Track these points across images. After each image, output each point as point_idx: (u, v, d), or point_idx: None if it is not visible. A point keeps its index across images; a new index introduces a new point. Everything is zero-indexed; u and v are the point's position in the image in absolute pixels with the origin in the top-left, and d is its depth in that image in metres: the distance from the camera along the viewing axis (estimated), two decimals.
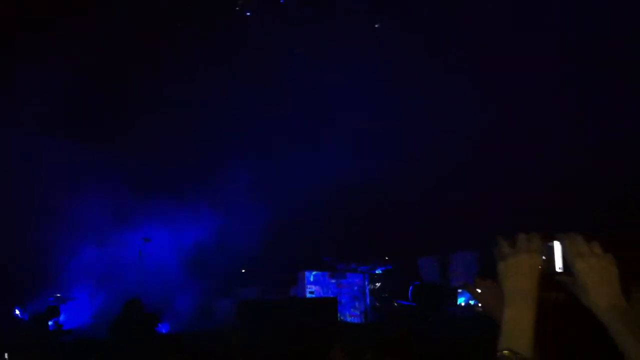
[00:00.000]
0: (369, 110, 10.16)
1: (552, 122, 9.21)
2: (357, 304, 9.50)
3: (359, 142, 9.99)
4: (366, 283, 9.58)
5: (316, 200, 9.76)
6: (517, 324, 1.20)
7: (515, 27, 9.22)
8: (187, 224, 10.52)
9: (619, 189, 7.99)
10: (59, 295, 9.11)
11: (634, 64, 8.16)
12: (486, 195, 9.10)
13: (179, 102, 10.28)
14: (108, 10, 9.25)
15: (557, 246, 1.32)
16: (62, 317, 8.76)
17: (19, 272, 8.92)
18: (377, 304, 9.64)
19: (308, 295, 9.10)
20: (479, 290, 1.79)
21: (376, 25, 10.71)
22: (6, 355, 5.07)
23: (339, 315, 8.69)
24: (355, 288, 9.57)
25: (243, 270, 10.76)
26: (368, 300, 9.50)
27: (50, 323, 8.39)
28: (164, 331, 8.65)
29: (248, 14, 10.46)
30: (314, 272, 9.35)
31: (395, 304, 9.48)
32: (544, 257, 1.31)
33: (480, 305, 1.84)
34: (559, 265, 1.31)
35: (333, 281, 9.44)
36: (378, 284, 9.75)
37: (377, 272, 9.85)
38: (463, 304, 8.76)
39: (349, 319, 9.25)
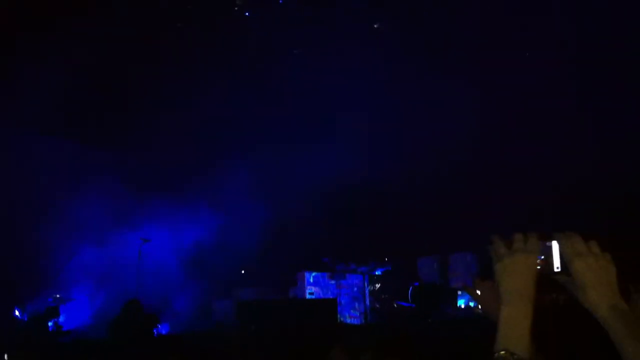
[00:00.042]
0: (368, 110, 10.16)
1: (552, 122, 9.21)
2: (356, 305, 9.48)
3: (358, 143, 9.98)
4: (366, 284, 9.57)
5: (316, 201, 9.76)
6: (514, 325, 1.20)
7: (515, 27, 9.22)
8: (186, 224, 10.51)
9: (619, 189, 7.98)
10: (58, 296, 9.10)
11: (634, 64, 8.15)
12: (486, 196, 9.09)
13: (179, 102, 10.28)
14: (108, 10, 9.26)
15: (555, 246, 1.31)
16: (61, 318, 8.75)
17: (18, 272, 8.91)
18: (377, 305, 9.63)
19: (308, 296, 9.10)
20: (479, 292, 1.78)
21: (375, 26, 10.72)
22: (6, 356, 5.07)
23: (338, 316, 8.68)
24: (355, 289, 9.56)
25: (242, 272, 10.75)
26: (368, 301, 9.49)
27: (49, 324, 8.38)
28: (164, 332, 8.64)
29: (247, 14, 10.47)
30: (313, 273, 9.33)
31: (395, 305, 9.47)
32: (542, 257, 1.31)
33: (479, 306, 1.83)
34: (557, 264, 1.31)
35: (333, 282, 9.43)
36: (378, 285, 9.74)
37: (376, 273, 9.84)
38: (463, 306, 8.75)
39: (348, 320, 9.24)
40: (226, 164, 10.34)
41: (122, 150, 10.86)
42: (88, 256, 9.75)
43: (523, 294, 1.23)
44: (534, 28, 9.24)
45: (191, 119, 10.12)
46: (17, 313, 8.62)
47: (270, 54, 10.90)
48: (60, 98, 9.14)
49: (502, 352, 1.15)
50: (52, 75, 8.84)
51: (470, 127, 9.16)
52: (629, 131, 8.12)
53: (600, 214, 7.59)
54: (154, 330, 8.12)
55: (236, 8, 10.56)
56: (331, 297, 9.14)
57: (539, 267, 1.29)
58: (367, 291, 9.53)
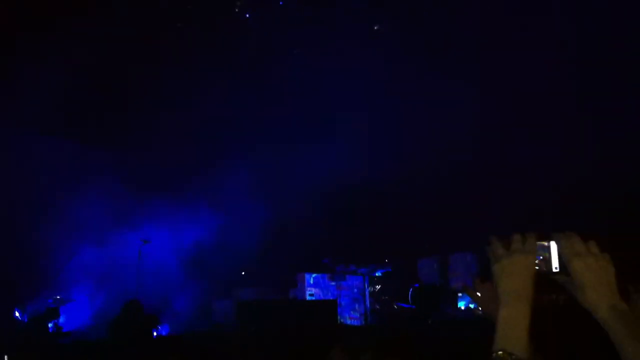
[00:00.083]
0: (368, 110, 10.16)
1: (552, 122, 9.21)
2: (356, 306, 9.48)
3: (358, 142, 9.98)
4: (366, 285, 9.56)
5: (316, 201, 9.76)
6: (513, 325, 1.20)
7: (515, 27, 9.22)
8: (186, 224, 10.50)
9: (619, 189, 7.98)
10: (58, 297, 9.09)
11: (634, 64, 8.15)
12: (486, 196, 9.09)
13: (179, 102, 10.28)
14: (108, 10, 9.26)
15: (553, 246, 1.31)
16: (61, 319, 8.74)
17: (18, 272, 8.91)
18: (377, 307, 9.62)
19: (308, 297, 9.09)
20: (479, 294, 1.78)
21: (375, 27, 10.72)
22: (6, 357, 5.06)
23: (338, 317, 8.67)
24: (355, 290, 9.55)
25: (242, 272, 10.75)
26: (368, 302, 9.48)
27: (49, 325, 8.37)
28: (164, 333, 8.64)
29: (247, 15, 10.47)
30: (313, 275, 9.33)
31: (395, 307, 9.47)
32: (541, 257, 1.30)
33: (480, 308, 1.83)
34: (555, 264, 1.31)
35: (333, 283, 9.42)
36: (378, 287, 9.74)
37: (377, 274, 9.84)
38: (463, 307, 8.74)
39: (348, 322, 9.23)
40: (226, 164, 10.34)
41: (122, 150, 10.86)
42: (88, 256, 9.75)
43: (521, 295, 1.23)
44: (534, 28, 9.23)
45: (191, 119, 10.12)
46: (17, 314, 8.61)
47: (270, 54, 10.91)
48: (60, 98, 9.14)
49: (500, 353, 1.15)
50: (52, 75, 8.84)
51: (470, 127, 9.15)
52: (629, 131, 8.11)
53: (600, 214, 7.59)
54: (153, 331, 8.11)
55: (236, 9, 10.56)
56: (331, 298, 9.14)
57: (537, 268, 1.29)
58: (367, 292, 9.53)
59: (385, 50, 10.25)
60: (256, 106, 10.70)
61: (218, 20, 10.60)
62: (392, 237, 9.85)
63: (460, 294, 8.80)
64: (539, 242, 1.31)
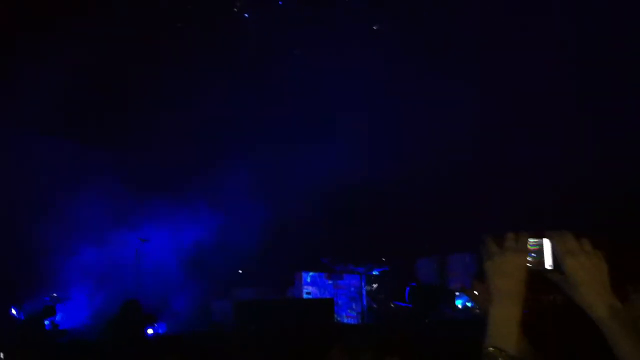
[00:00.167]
0: (368, 110, 10.16)
1: (552, 122, 9.21)
2: (354, 305, 9.47)
3: (358, 142, 9.98)
4: (363, 284, 9.56)
5: (315, 201, 9.76)
6: (504, 323, 1.20)
7: (515, 27, 9.21)
8: (186, 224, 10.50)
9: (619, 189, 7.97)
10: (55, 294, 9.09)
11: (634, 64, 8.14)
12: (486, 196, 9.09)
13: (179, 102, 10.29)
14: (108, 10, 9.27)
15: (547, 243, 1.30)
16: (58, 317, 8.73)
17: (16, 271, 8.92)
18: (374, 305, 9.62)
19: (305, 296, 9.09)
20: (477, 293, 1.77)
21: (375, 27, 10.72)
22: (2, 355, 5.07)
23: (335, 316, 8.67)
24: (352, 289, 9.55)
25: (240, 271, 10.75)
26: (365, 301, 9.48)
27: (46, 323, 8.37)
28: (160, 331, 8.63)
29: (247, 15, 10.47)
30: (310, 273, 9.33)
31: (392, 305, 9.47)
32: (534, 255, 1.30)
33: (478, 307, 1.83)
34: (548, 262, 1.30)
35: (330, 282, 9.42)
36: (375, 285, 9.73)
37: (374, 273, 9.83)
38: (461, 306, 8.74)
39: (345, 320, 9.23)
40: (226, 164, 10.34)
41: (122, 150, 10.86)
42: (87, 256, 9.74)
43: (513, 293, 1.23)
44: (534, 28, 9.23)
45: (191, 119, 10.12)
46: (14, 312, 8.61)
47: (270, 54, 10.91)
48: (60, 98, 9.15)
49: (491, 349, 1.15)
50: (52, 75, 8.85)
51: (470, 127, 9.15)
52: (629, 131, 8.11)
53: (600, 214, 7.58)
54: (148, 329, 8.08)
55: (236, 9, 10.57)
56: (328, 297, 9.13)
57: (530, 266, 1.29)
58: (364, 291, 9.52)
59: (385, 50, 10.25)
60: (256, 106, 10.70)
61: (218, 20, 10.60)
62: (392, 237, 9.84)
63: (457, 293, 8.81)
64: (532, 240, 1.31)
